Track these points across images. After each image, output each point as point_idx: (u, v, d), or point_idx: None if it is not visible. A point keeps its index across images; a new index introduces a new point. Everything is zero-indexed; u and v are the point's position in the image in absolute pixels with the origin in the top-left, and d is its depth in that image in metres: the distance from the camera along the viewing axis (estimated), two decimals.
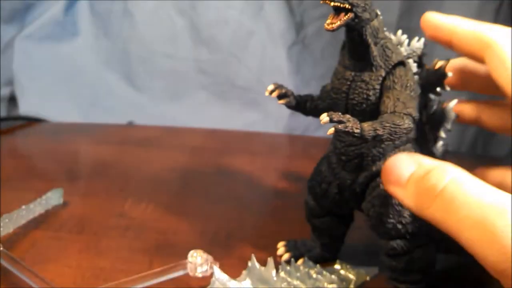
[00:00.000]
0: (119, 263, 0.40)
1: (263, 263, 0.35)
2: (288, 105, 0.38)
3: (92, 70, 0.79)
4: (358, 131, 0.30)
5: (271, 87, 0.38)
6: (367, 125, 0.30)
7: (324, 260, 0.40)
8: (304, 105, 0.38)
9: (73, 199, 0.51)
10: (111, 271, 0.39)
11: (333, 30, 0.31)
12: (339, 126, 0.29)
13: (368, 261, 0.39)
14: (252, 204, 0.52)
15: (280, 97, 0.38)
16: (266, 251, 0.41)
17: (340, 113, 0.30)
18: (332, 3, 0.31)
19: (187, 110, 0.77)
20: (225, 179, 0.58)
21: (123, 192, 0.53)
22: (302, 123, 0.75)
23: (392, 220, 0.34)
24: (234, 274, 0.35)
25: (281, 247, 0.41)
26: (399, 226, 0.34)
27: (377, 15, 0.33)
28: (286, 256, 0.40)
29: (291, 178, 0.59)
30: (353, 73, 0.34)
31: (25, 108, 0.76)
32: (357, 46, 0.33)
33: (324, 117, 0.30)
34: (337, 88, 0.34)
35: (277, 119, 0.75)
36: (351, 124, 0.30)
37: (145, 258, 0.41)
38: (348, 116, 0.30)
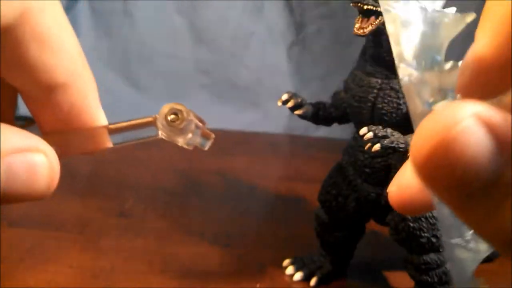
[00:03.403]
0: (119, 263, 0.40)
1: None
2: (303, 116, 0.36)
3: (92, 70, 0.78)
4: (403, 145, 0.28)
5: (285, 96, 0.36)
6: (410, 139, 0.28)
7: (335, 276, 0.39)
8: (316, 114, 0.36)
9: (73, 199, 0.51)
10: (111, 271, 0.39)
11: (364, 35, 0.30)
12: (385, 141, 0.28)
13: (377, 275, 0.39)
14: (252, 204, 0.52)
15: (295, 107, 0.36)
16: (266, 251, 0.41)
17: (380, 127, 0.29)
18: (365, 6, 0.29)
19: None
20: (225, 179, 0.58)
21: (123, 192, 0.53)
22: (302, 123, 0.74)
23: (426, 234, 0.32)
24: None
25: (289, 266, 0.39)
26: (434, 240, 0.32)
27: None
28: (298, 275, 0.38)
29: (291, 178, 0.59)
30: (379, 80, 0.32)
31: (25, 108, 0.76)
32: (383, 51, 0.31)
33: (366, 132, 0.28)
34: (361, 96, 0.33)
35: (277, 119, 0.75)
36: (396, 138, 0.28)
37: (145, 258, 0.41)
38: (389, 129, 0.29)
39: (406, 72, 0.15)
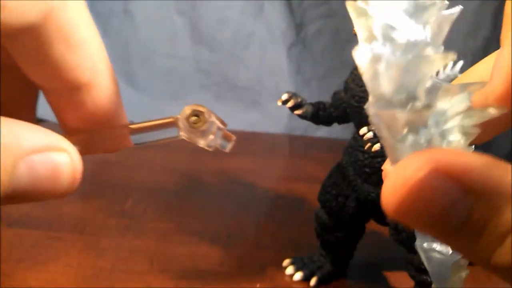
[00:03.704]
0: (119, 263, 0.40)
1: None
2: (303, 115, 0.36)
3: None
4: None
5: (285, 96, 0.36)
6: None
7: (335, 276, 0.39)
8: (316, 114, 0.36)
9: (73, 199, 0.51)
10: (111, 271, 0.39)
11: None
12: None
13: (377, 275, 0.39)
14: (252, 204, 0.52)
15: (295, 107, 0.36)
16: (266, 251, 0.41)
17: None
18: None
19: None
20: (225, 179, 0.58)
21: (123, 192, 0.53)
22: (302, 123, 0.75)
23: None
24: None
25: (289, 266, 0.39)
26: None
27: None
28: (298, 275, 0.38)
29: (291, 178, 0.59)
30: None
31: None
32: None
33: (366, 132, 0.28)
34: (361, 96, 0.33)
35: (277, 119, 0.75)
36: None
37: (145, 258, 0.41)
38: None
39: (378, 104, 0.15)
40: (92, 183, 0.56)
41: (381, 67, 0.14)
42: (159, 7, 0.77)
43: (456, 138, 0.16)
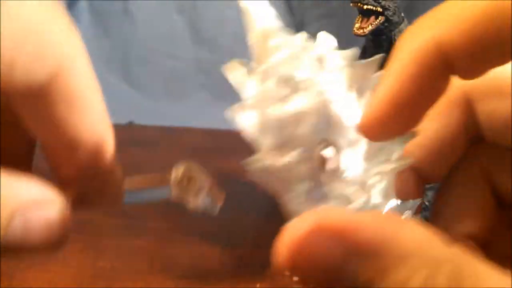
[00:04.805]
0: (119, 263, 0.40)
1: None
2: None
3: (92, 70, 0.79)
4: None
5: None
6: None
7: None
8: None
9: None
10: (111, 271, 0.39)
11: (364, 35, 0.30)
12: None
13: None
14: (252, 204, 0.52)
15: None
16: (266, 251, 0.41)
17: None
18: (365, 6, 0.30)
19: (187, 110, 0.77)
20: (225, 179, 0.58)
21: None
22: None
23: None
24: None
25: None
26: None
27: (403, 18, 0.32)
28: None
29: None
30: None
31: None
32: (383, 51, 0.31)
33: None
34: None
35: None
36: None
37: (145, 258, 0.41)
38: None
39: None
40: None
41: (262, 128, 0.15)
42: (159, 7, 0.77)
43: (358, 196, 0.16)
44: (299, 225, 0.13)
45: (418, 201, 0.17)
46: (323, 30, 0.20)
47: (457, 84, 0.17)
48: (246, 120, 0.15)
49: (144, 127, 0.75)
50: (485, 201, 0.19)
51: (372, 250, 0.12)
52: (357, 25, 0.31)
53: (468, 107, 0.18)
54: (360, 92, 0.17)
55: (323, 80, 0.16)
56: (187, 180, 0.19)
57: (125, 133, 0.73)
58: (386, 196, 0.17)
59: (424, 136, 0.18)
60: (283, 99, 0.16)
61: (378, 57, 0.17)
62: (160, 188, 0.19)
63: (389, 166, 0.17)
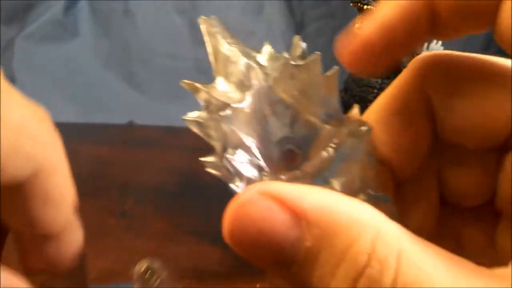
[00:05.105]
0: (119, 263, 0.40)
1: None
2: None
3: (92, 70, 0.79)
4: None
5: None
6: None
7: None
8: None
9: None
10: (111, 271, 0.39)
11: None
12: None
13: None
14: None
15: None
16: None
17: None
18: (365, 6, 0.30)
19: (187, 110, 0.77)
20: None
21: (123, 192, 0.53)
22: None
23: None
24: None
25: None
26: None
27: None
28: None
29: None
30: (379, 80, 0.32)
31: None
32: None
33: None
34: (361, 96, 0.33)
35: None
36: None
37: (145, 258, 0.41)
38: None
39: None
40: (92, 183, 0.56)
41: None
42: (159, 7, 0.77)
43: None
44: (241, 195, 0.14)
45: (388, 198, 0.17)
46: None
47: (419, 83, 0.19)
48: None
49: (144, 127, 0.75)
50: (431, 197, 0.19)
51: (316, 216, 0.12)
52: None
53: (429, 107, 0.19)
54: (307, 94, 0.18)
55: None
56: (149, 275, 0.20)
57: (125, 133, 0.73)
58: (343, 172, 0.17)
59: (391, 134, 0.19)
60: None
61: (317, 56, 0.17)
62: (122, 284, 0.21)
63: (344, 130, 0.17)
